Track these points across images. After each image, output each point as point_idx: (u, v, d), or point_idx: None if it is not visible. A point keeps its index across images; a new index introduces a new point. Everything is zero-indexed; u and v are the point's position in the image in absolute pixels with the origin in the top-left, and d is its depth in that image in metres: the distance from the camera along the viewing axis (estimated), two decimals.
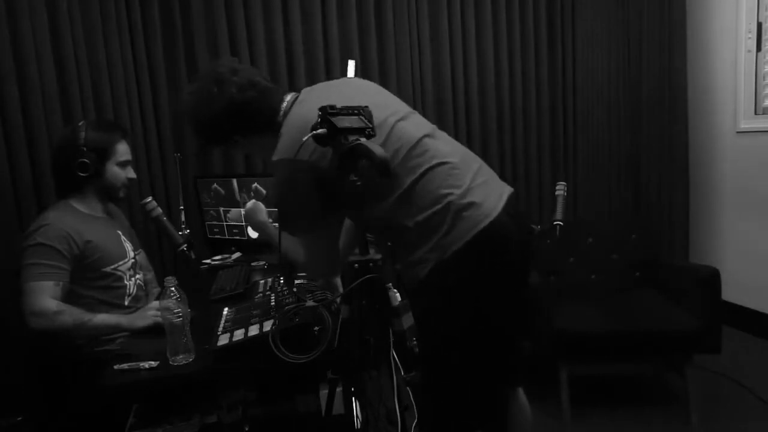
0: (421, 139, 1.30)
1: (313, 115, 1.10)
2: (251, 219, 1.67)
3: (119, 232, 1.95)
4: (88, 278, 1.79)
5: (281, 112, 1.35)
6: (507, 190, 1.35)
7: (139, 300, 1.93)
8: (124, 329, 1.71)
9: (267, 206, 1.71)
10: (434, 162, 1.28)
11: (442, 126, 3.00)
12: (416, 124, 1.36)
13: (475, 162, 1.37)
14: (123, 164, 1.88)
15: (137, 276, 1.96)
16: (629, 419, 2.30)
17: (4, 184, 2.14)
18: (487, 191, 1.29)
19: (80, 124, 1.85)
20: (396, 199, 1.26)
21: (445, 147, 1.34)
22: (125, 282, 1.88)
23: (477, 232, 1.21)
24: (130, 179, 1.91)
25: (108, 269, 1.83)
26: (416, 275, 1.27)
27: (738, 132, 3.08)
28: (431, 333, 1.29)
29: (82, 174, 1.78)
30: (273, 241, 1.58)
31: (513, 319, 1.35)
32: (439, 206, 1.23)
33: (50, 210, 1.83)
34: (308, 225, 1.34)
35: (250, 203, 1.66)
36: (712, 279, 2.24)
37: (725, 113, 3.14)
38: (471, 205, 1.23)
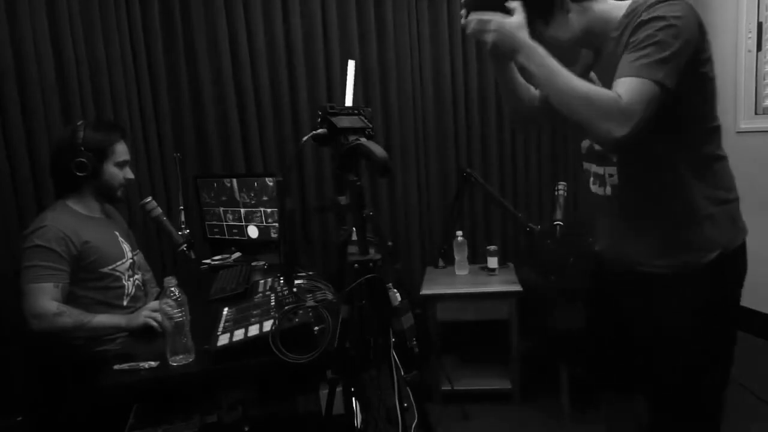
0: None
1: None
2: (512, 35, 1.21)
3: (116, 233, 1.95)
4: (86, 279, 1.79)
5: None
6: None
7: (138, 300, 1.93)
8: (124, 329, 1.72)
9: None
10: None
11: (442, 126, 3.08)
12: None
13: None
14: (121, 165, 1.88)
15: (136, 276, 1.96)
16: None
17: (4, 184, 2.14)
18: None
19: (79, 123, 1.85)
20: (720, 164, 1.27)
21: None
22: (123, 282, 1.88)
23: (744, 239, 1.35)
24: (128, 179, 1.91)
25: (106, 270, 1.82)
26: (690, 259, 1.29)
27: (738, 132, 3.08)
28: (706, 329, 1.33)
29: (79, 174, 1.78)
30: (532, 63, 1.18)
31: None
32: (733, 196, 1.34)
33: (48, 211, 1.83)
34: (667, 67, 1.11)
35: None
36: None
37: (725, 113, 3.14)
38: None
